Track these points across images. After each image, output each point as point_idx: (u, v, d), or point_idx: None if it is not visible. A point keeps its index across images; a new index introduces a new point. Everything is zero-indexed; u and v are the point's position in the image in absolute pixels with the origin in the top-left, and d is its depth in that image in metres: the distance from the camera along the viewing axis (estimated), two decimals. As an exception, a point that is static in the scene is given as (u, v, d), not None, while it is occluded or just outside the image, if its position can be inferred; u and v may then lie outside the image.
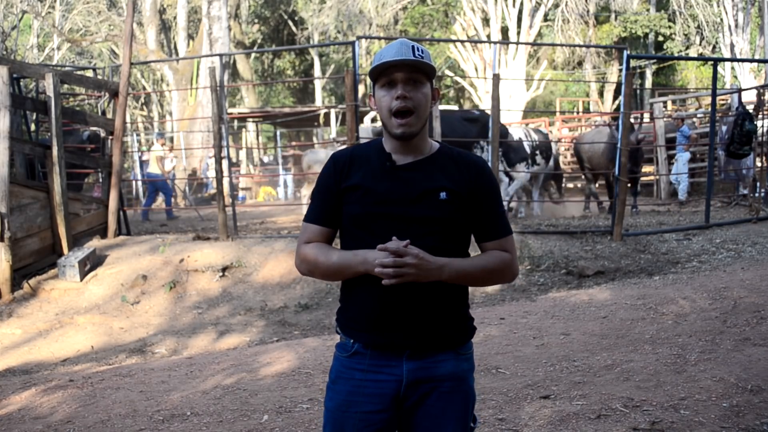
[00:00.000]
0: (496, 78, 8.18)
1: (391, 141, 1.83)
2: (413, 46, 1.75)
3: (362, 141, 9.30)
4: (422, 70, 1.77)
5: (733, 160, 11.02)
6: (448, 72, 26.68)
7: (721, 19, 21.36)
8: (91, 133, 11.44)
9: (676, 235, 8.32)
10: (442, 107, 12.28)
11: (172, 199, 13.71)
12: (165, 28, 26.92)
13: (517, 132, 11.11)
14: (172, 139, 20.37)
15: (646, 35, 25.30)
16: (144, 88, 29.36)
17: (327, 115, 21.42)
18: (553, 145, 11.97)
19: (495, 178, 1.89)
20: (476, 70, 22.81)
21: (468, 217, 1.81)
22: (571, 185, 17.76)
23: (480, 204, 1.82)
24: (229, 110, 18.47)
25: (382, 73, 1.77)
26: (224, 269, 7.46)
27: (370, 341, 1.78)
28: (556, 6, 23.55)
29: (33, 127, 11.03)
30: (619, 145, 8.29)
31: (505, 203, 10.66)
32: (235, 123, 23.61)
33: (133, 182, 16.22)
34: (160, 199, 14.02)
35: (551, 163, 11.78)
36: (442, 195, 1.76)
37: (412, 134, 1.78)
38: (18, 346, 6.01)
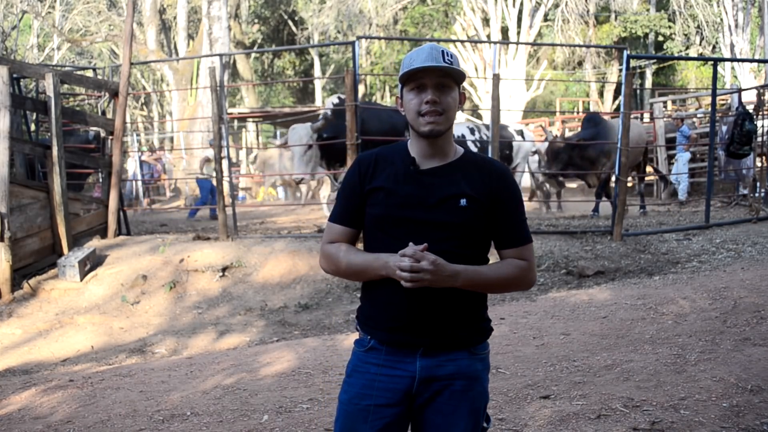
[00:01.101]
0: (496, 78, 8.18)
1: (417, 143, 1.85)
2: (443, 51, 1.78)
3: (296, 143, 9.13)
4: (452, 75, 1.79)
5: (733, 160, 11.01)
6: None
7: (721, 19, 21.37)
8: (95, 133, 11.45)
9: (676, 235, 8.32)
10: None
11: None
12: (165, 28, 26.91)
13: (458, 129, 10.56)
14: (172, 140, 20.37)
15: (646, 35, 25.30)
16: (144, 88, 29.36)
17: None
18: (527, 145, 11.31)
19: (517, 185, 1.91)
20: (476, 70, 22.81)
21: (488, 224, 1.83)
22: (574, 185, 17.74)
23: (501, 211, 1.84)
24: (229, 110, 18.47)
25: (412, 77, 1.79)
26: (224, 269, 7.45)
27: (386, 338, 1.82)
28: (556, 6, 23.56)
29: (33, 127, 11.03)
30: (619, 145, 8.30)
31: None
32: (235, 123, 23.61)
33: (133, 182, 16.22)
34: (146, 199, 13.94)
35: (523, 164, 11.29)
36: (463, 202, 1.79)
37: (440, 132, 1.81)
38: (18, 346, 6.01)
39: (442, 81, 1.78)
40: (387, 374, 1.81)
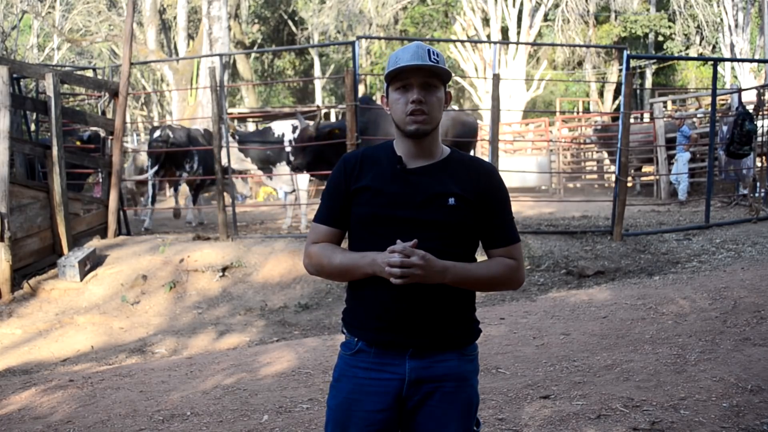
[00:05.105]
0: (496, 78, 8.18)
1: (403, 143, 1.83)
2: (429, 50, 1.77)
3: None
4: (438, 74, 1.78)
5: (733, 160, 11.01)
6: (448, 72, 26.67)
7: (721, 19, 21.37)
8: (91, 134, 11.44)
9: (676, 235, 8.31)
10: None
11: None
12: (165, 28, 26.90)
13: (279, 127, 9.85)
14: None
15: (646, 35, 25.30)
16: (144, 88, 29.35)
17: (327, 115, 21.43)
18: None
19: (504, 184, 1.90)
20: (476, 70, 22.81)
21: (476, 223, 1.82)
22: (570, 185, 17.76)
23: (489, 210, 1.82)
24: (229, 110, 18.45)
25: (398, 76, 1.78)
26: (224, 269, 7.45)
27: (374, 339, 1.79)
28: (556, 6, 23.56)
29: (33, 127, 11.02)
30: (619, 145, 8.29)
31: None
32: (235, 123, 23.60)
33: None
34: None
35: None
36: (451, 201, 1.77)
37: (425, 132, 1.79)
38: (18, 346, 6.01)
39: (428, 80, 1.77)
40: (375, 378, 1.78)
